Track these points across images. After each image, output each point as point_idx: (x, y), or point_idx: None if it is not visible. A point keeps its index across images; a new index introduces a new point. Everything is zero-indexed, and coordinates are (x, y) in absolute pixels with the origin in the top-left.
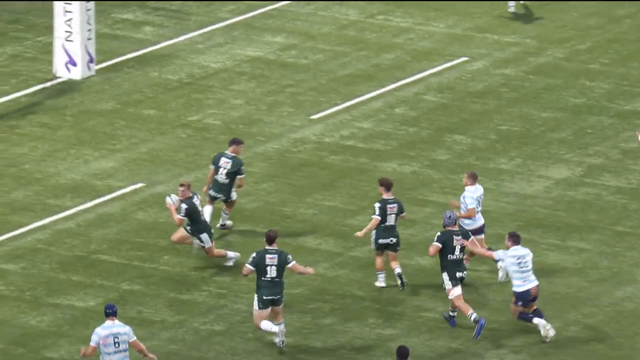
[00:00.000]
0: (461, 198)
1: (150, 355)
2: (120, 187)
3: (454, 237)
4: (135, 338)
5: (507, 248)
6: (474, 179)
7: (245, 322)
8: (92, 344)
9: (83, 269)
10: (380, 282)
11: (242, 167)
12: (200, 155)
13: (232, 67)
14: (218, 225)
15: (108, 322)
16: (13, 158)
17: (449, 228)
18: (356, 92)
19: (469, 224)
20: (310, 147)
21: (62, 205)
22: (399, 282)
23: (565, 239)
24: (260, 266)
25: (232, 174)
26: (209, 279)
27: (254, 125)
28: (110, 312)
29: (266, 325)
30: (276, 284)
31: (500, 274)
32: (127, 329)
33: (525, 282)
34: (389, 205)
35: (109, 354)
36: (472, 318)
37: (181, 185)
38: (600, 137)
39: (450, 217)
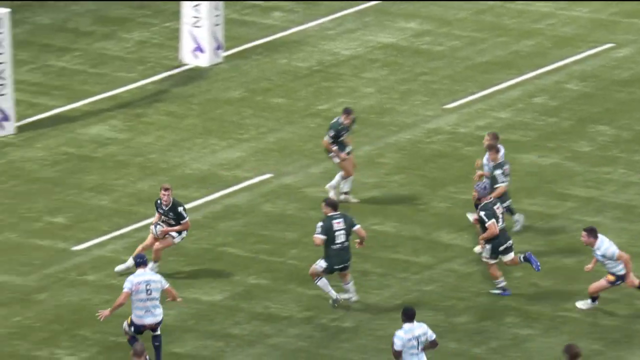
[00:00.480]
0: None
1: (179, 299)
2: (247, 178)
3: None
4: (168, 285)
5: None
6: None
7: (375, 319)
8: (125, 290)
9: (209, 262)
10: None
11: None
12: None
13: (363, 54)
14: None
15: (140, 271)
16: (139, 147)
17: (485, 200)
18: (493, 81)
19: None
20: (444, 137)
21: (188, 196)
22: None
23: None
24: (329, 233)
25: None
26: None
27: (386, 115)
28: (140, 262)
29: (324, 285)
30: (345, 250)
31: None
32: (158, 277)
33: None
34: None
35: (140, 300)
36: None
37: (165, 189)
38: None
39: (485, 187)
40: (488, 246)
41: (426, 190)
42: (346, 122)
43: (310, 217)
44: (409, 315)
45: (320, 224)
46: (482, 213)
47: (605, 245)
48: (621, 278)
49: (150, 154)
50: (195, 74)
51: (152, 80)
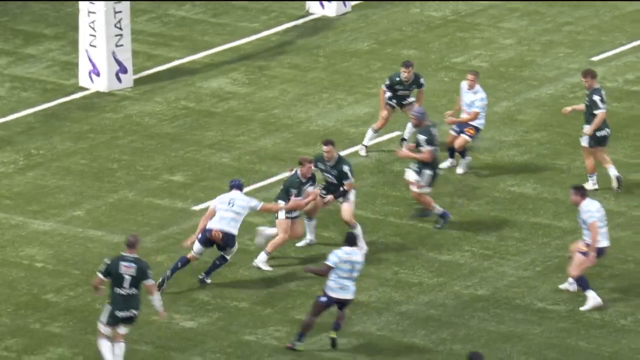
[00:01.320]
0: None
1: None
2: (375, 136)
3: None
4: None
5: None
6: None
7: (512, 286)
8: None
9: (334, 225)
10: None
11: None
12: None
13: (502, 3)
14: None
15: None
16: (261, 102)
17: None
18: None
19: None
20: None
21: (314, 154)
22: None
23: None
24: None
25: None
26: (472, 238)
27: (526, 68)
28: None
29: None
30: None
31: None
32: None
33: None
34: None
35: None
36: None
37: (301, 163)
38: None
39: (423, 113)
40: (428, 172)
41: (568, 149)
42: (403, 75)
43: (443, 175)
44: None
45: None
46: (421, 137)
47: (587, 209)
48: (599, 251)
49: (273, 109)
50: (321, 25)
51: (275, 31)
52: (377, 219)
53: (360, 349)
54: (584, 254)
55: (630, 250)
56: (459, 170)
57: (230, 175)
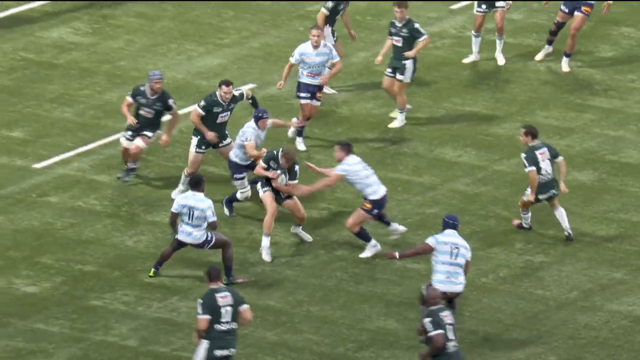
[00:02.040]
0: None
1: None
2: None
3: None
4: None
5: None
6: None
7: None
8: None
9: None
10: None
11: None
12: None
13: None
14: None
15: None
16: (106, 53)
17: None
18: None
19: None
20: (449, 42)
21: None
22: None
23: None
24: None
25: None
26: (329, 195)
27: (384, 18)
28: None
29: None
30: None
31: None
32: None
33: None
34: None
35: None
36: None
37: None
38: None
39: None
40: None
41: (428, 102)
42: (222, 94)
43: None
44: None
45: None
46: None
47: (347, 167)
48: (375, 204)
49: (119, 61)
50: None
51: None
52: (227, 176)
53: None
54: (365, 210)
55: (492, 205)
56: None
57: (72, 131)
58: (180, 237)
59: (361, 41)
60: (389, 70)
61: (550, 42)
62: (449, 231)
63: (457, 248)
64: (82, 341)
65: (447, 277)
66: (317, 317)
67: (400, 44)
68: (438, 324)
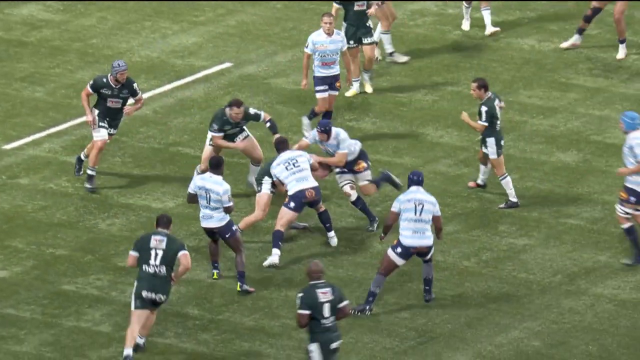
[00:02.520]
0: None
1: None
2: (203, 67)
3: None
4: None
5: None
6: None
7: (351, 228)
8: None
9: (160, 163)
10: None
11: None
12: (299, 30)
13: None
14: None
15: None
16: (78, 31)
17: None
18: None
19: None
20: (431, 20)
21: None
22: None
23: None
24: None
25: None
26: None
27: None
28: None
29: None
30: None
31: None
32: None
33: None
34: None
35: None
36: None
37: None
38: None
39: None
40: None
41: (409, 81)
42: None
43: (278, 111)
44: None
45: None
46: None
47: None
48: (293, 198)
49: (91, 39)
50: None
51: None
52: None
53: (189, 297)
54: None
55: (474, 188)
56: None
57: (43, 111)
58: (203, 224)
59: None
60: (352, 42)
61: (581, 31)
62: (413, 188)
63: (421, 204)
64: (54, 327)
65: (413, 233)
66: (295, 302)
67: (364, 7)
68: (309, 302)
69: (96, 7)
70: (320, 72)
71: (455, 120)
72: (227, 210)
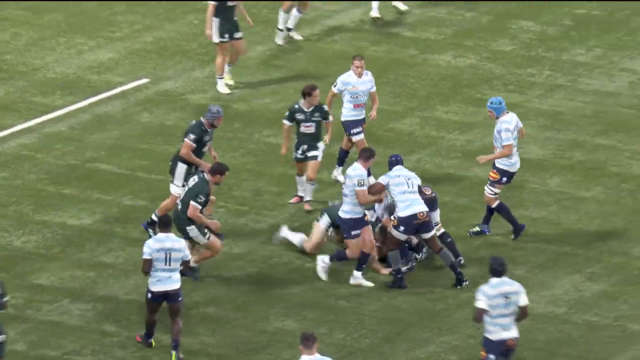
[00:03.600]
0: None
1: None
2: (120, 83)
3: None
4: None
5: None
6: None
7: (269, 244)
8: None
9: (77, 180)
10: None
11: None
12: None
13: None
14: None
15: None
16: None
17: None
18: None
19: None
20: (348, 36)
21: (51, 105)
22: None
23: None
24: None
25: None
26: (226, 194)
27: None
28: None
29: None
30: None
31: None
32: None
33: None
34: None
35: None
36: None
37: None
38: None
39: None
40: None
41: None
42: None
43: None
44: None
45: None
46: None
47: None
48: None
49: (5, 55)
50: None
51: None
52: (124, 174)
53: (107, 314)
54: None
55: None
56: None
57: None
58: (159, 287)
59: (258, 35)
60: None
61: None
62: (397, 167)
63: (409, 179)
64: None
65: (409, 204)
66: (213, 319)
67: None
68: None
69: (9, 22)
70: (352, 116)
71: (374, 135)
72: (187, 263)
